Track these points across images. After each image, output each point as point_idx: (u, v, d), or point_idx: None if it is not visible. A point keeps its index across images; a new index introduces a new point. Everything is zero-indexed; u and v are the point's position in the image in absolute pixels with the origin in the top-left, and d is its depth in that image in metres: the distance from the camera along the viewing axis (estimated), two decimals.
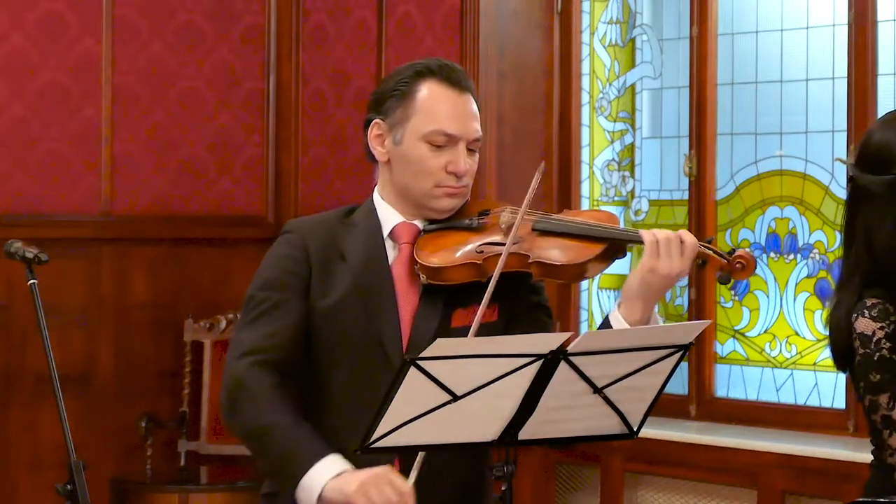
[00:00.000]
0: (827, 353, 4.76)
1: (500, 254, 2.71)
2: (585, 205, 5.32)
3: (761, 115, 4.96)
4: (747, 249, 2.82)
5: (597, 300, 5.33)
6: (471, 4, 5.12)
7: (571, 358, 2.47)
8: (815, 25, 4.83)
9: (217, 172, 5.74)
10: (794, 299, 4.86)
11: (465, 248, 2.83)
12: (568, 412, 2.55)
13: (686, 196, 5.06)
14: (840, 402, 4.68)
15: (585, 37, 5.33)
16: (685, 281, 5.04)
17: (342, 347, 2.85)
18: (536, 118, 5.26)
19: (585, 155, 5.34)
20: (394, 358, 2.80)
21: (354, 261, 2.88)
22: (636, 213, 5.27)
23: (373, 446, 2.46)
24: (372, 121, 2.92)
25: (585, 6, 5.32)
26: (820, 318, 4.80)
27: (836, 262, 4.75)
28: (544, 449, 4.95)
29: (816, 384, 4.79)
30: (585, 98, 5.33)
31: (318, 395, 2.88)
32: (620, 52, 5.34)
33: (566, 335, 2.53)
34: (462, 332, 2.72)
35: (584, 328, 5.29)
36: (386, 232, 2.91)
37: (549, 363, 2.46)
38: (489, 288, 2.67)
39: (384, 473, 2.63)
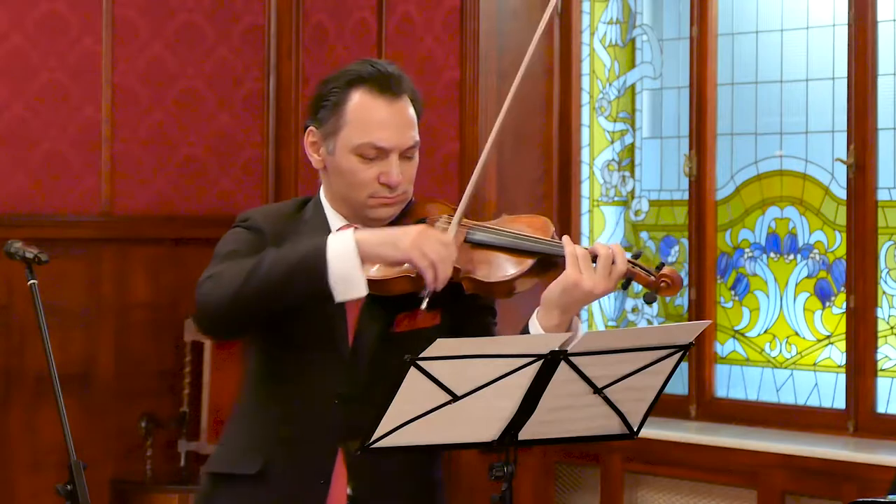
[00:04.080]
0: (827, 352, 4.77)
1: None
2: (585, 205, 5.32)
3: (761, 115, 4.95)
4: (673, 267, 2.79)
5: (597, 300, 5.32)
6: (471, 4, 5.12)
7: (571, 358, 2.47)
8: (815, 25, 4.83)
9: (217, 172, 5.73)
10: (794, 299, 4.86)
11: None
12: (568, 412, 2.55)
13: (686, 196, 5.06)
14: (840, 402, 4.68)
15: (585, 37, 5.33)
16: (685, 281, 5.04)
17: (291, 339, 2.82)
18: (536, 118, 5.25)
19: (585, 155, 5.34)
20: (342, 351, 2.80)
21: None
22: (636, 213, 5.27)
23: (373, 446, 2.47)
24: (307, 127, 2.90)
25: (585, 6, 5.32)
26: (820, 318, 4.80)
27: (837, 262, 4.75)
28: (544, 449, 4.95)
29: (816, 384, 4.79)
30: (585, 98, 5.33)
31: (266, 390, 2.86)
32: (620, 53, 5.34)
33: (566, 335, 2.54)
34: (404, 337, 2.72)
35: (584, 328, 5.28)
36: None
37: (549, 363, 2.46)
38: (423, 302, 2.67)
39: (425, 229, 2.66)
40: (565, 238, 2.79)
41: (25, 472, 5.28)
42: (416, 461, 2.84)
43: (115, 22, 5.52)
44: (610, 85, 5.34)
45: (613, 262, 2.73)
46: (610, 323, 5.32)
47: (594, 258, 2.73)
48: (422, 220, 2.88)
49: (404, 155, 2.86)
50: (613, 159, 5.35)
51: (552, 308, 2.75)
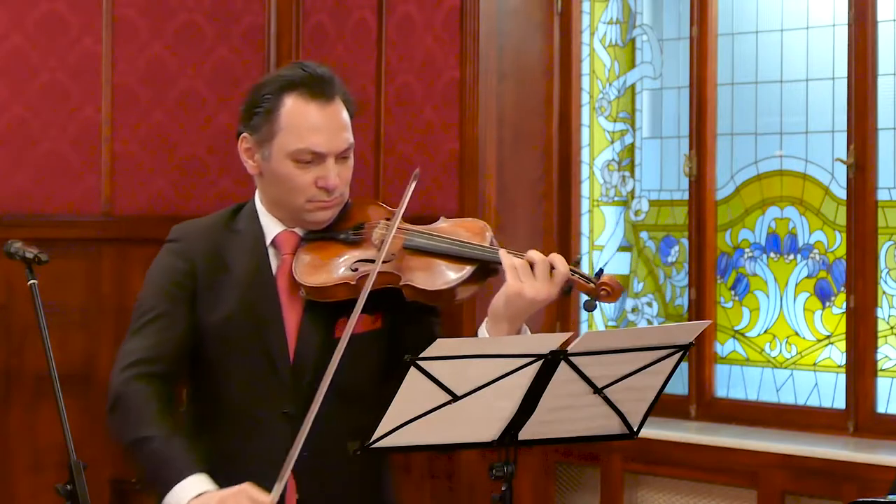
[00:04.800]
0: (827, 352, 4.77)
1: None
2: (585, 205, 5.32)
3: (761, 115, 4.95)
4: (612, 275, 2.79)
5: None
6: (471, 4, 5.12)
7: (571, 358, 2.47)
8: (815, 25, 4.83)
9: (217, 172, 5.73)
10: (794, 299, 4.86)
11: (339, 267, 2.82)
12: (568, 412, 2.55)
13: (686, 196, 5.06)
14: (840, 403, 4.68)
15: (585, 37, 5.33)
16: (685, 281, 5.04)
17: (232, 360, 2.85)
18: (536, 118, 5.25)
19: (585, 155, 5.34)
20: (282, 370, 2.83)
21: (240, 272, 2.88)
22: (636, 213, 5.27)
23: (373, 446, 2.47)
24: (241, 134, 2.91)
25: (585, 6, 5.32)
26: (820, 318, 4.80)
27: (837, 262, 4.75)
28: (544, 449, 4.95)
29: (816, 384, 4.79)
30: (585, 98, 5.33)
31: (211, 407, 2.89)
32: (620, 53, 5.34)
33: (566, 335, 2.54)
34: (349, 341, 2.69)
35: (583, 328, 5.29)
36: (268, 240, 2.92)
37: (549, 363, 2.46)
38: (356, 308, 2.66)
39: (244, 489, 2.64)
40: (501, 251, 2.77)
41: (25, 472, 5.28)
42: (363, 471, 2.86)
43: (115, 22, 5.52)
44: (610, 85, 5.34)
45: (553, 268, 2.73)
46: (610, 323, 5.32)
47: (532, 267, 2.73)
48: (360, 226, 2.89)
49: (340, 157, 2.86)
50: (613, 159, 5.35)
51: (500, 320, 2.76)
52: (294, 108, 2.83)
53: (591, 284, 2.74)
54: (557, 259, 2.74)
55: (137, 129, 5.58)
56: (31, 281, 2.98)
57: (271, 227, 2.91)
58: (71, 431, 2.88)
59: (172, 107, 5.65)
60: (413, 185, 2.76)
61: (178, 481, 2.70)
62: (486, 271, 2.79)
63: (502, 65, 5.17)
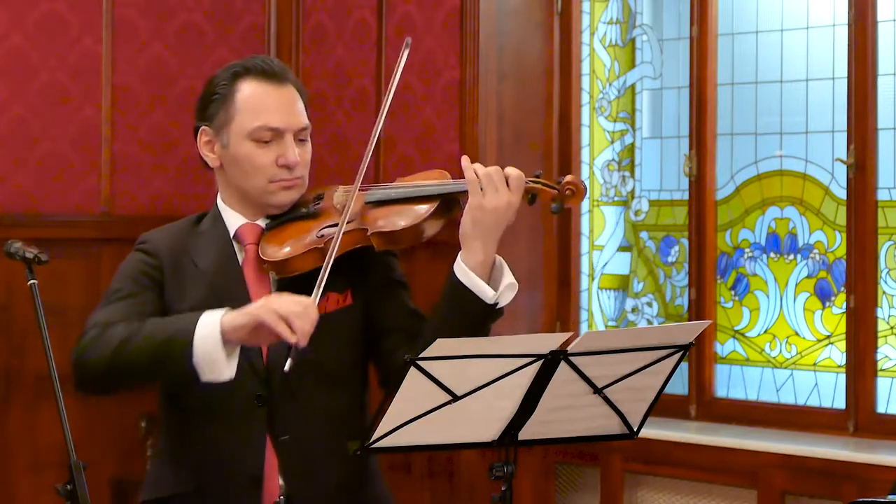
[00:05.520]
0: (827, 353, 4.77)
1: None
2: (585, 205, 5.32)
3: (761, 115, 4.95)
4: (575, 176, 2.86)
5: (597, 300, 5.33)
6: (471, 4, 5.12)
7: (571, 358, 2.47)
8: (815, 25, 4.83)
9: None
10: (794, 299, 4.86)
11: (306, 237, 2.85)
12: (568, 412, 2.55)
13: (686, 196, 5.06)
14: (840, 403, 4.68)
15: (585, 37, 5.33)
16: (685, 281, 5.04)
17: None
18: (536, 118, 5.25)
19: (585, 155, 5.34)
20: (255, 360, 2.81)
21: (206, 266, 2.90)
22: (636, 213, 5.27)
23: (373, 446, 2.47)
24: (199, 128, 2.93)
25: (585, 6, 5.32)
26: (820, 318, 4.80)
27: (837, 262, 4.75)
28: (544, 449, 4.95)
29: (816, 384, 4.79)
30: (585, 98, 5.33)
31: (185, 399, 2.89)
32: (620, 53, 5.34)
33: (566, 335, 2.54)
34: (320, 321, 2.70)
35: (584, 328, 5.29)
36: (232, 235, 2.93)
37: (549, 363, 2.46)
38: (324, 268, 2.70)
39: (279, 294, 2.68)
40: (464, 161, 2.81)
41: (25, 472, 5.28)
42: (348, 458, 2.83)
43: (115, 22, 5.52)
44: (610, 85, 5.34)
45: (507, 175, 2.77)
46: (610, 323, 5.32)
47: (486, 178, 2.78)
48: (319, 196, 2.93)
49: (298, 137, 2.90)
50: (613, 159, 5.35)
51: (472, 241, 2.78)
52: (249, 91, 2.89)
53: (555, 190, 2.79)
54: (511, 169, 2.79)
55: (137, 129, 5.58)
56: (31, 281, 2.98)
57: (233, 222, 2.95)
58: (71, 431, 2.88)
59: (172, 107, 5.65)
60: (406, 54, 2.80)
61: (198, 318, 2.69)
62: (450, 203, 2.84)
63: (502, 65, 5.17)
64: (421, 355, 2.39)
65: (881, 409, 4.59)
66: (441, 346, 2.40)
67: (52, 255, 3.11)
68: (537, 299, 5.21)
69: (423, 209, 2.81)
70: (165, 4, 5.64)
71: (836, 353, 4.73)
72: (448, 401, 2.45)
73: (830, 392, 4.74)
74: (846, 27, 4.66)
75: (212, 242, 2.93)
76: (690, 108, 5.03)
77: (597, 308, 5.33)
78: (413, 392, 2.41)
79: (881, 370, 4.60)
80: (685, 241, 5.07)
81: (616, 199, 5.34)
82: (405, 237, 2.81)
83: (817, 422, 4.71)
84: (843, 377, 4.68)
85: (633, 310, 5.28)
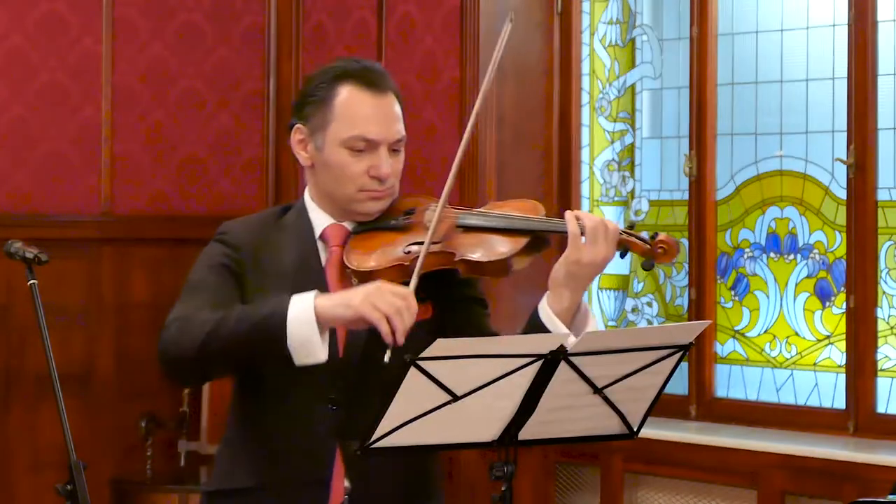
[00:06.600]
0: (827, 353, 4.77)
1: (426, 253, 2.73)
2: (585, 205, 5.32)
3: (761, 115, 4.95)
4: (668, 234, 2.84)
5: (597, 300, 5.33)
6: (471, 4, 5.12)
7: (571, 358, 2.47)
8: (815, 25, 4.83)
9: (217, 172, 5.73)
10: (794, 299, 4.86)
11: (392, 251, 2.82)
12: (568, 412, 2.55)
13: (686, 196, 5.06)
14: (840, 403, 4.68)
15: (585, 37, 5.33)
16: (685, 281, 5.05)
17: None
18: (536, 118, 5.25)
19: (585, 155, 5.34)
20: (331, 358, 2.79)
21: (288, 264, 2.87)
22: (636, 213, 5.27)
23: (373, 446, 2.47)
24: (294, 125, 2.92)
25: (585, 6, 5.32)
26: (820, 318, 4.80)
27: (837, 262, 4.75)
28: (544, 449, 4.95)
29: (816, 384, 4.79)
30: (585, 98, 5.33)
31: (258, 399, 2.86)
32: (620, 53, 5.34)
33: (566, 335, 2.54)
34: None
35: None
36: (317, 234, 2.91)
37: (549, 363, 2.46)
38: (412, 285, 2.67)
39: (381, 284, 2.64)
40: (567, 214, 2.78)
41: (25, 472, 5.28)
42: (411, 462, 2.84)
43: (115, 22, 5.52)
44: (610, 85, 5.34)
45: (606, 229, 2.76)
46: (610, 323, 5.32)
47: (586, 232, 2.76)
48: (410, 211, 2.89)
49: (392, 148, 2.87)
50: (613, 159, 5.35)
51: (562, 290, 2.77)
52: (348, 97, 2.85)
53: (647, 245, 2.78)
54: (608, 221, 2.78)
55: (137, 129, 5.58)
56: (31, 281, 2.98)
57: (320, 221, 2.90)
58: (71, 431, 2.89)
59: (172, 107, 5.65)
60: (508, 29, 2.77)
61: (288, 301, 2.65)
62: (541, 242, 2.81)
63: (502, 65, 5.17)
64: (421, 355, 2.39)
65: (881, 409, 4.59)
66: (441, 346, 2.39)
67: (52, 255, 3.11)
68: (538, 299, 5.20)
69: (514, 244, 2.77)
70: (165, 4, 5.64)
71: (836, 354, 4.73)
72: (448, 401, 2.44)
73: (830, 392, 4.74)
74: (846, 27, 4.66)
75: (296, 238, 2.90)
76: (690, 109, 5.03)
77: (597, 308, 5.33)
78: (413, 392, 2.41)
79: (881, 370, 4.60)
80: (685, 241, 5.07)
81: (616, 199, 5.34)
82: (491, 269, 2.78)
83: (817, 422, 4.71)
84: (843, 377, 4.68)
85: (633, 310, 5.28)
